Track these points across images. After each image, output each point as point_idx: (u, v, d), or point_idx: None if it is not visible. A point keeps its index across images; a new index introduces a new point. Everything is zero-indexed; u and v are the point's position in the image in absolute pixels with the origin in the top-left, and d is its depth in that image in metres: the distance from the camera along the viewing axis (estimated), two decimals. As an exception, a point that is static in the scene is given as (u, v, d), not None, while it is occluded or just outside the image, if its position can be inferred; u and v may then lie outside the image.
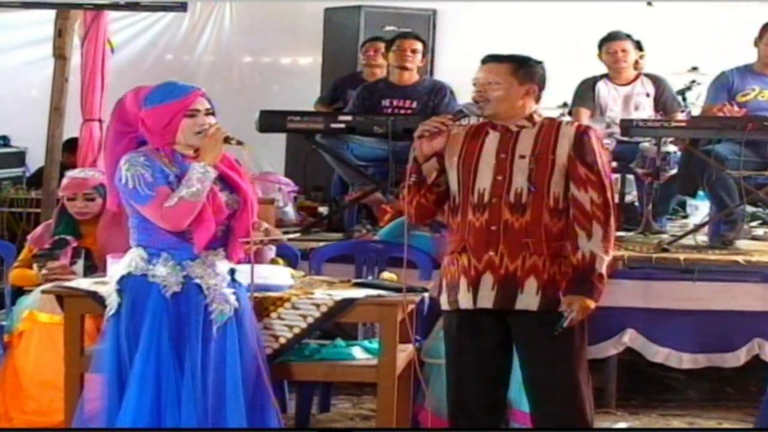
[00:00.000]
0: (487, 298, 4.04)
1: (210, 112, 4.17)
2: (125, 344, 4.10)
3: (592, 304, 3.98)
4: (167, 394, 4.06)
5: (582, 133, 4.06)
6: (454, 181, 4.14)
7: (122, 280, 4.14)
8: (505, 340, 4.11)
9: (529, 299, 4.00)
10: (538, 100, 4.15)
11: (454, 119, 4.13)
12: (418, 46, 7.05)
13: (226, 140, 4.13)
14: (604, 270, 3.99)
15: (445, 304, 4.19)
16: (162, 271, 4.09)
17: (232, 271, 4.22)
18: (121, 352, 4.11)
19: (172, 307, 4.08)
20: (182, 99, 4.12)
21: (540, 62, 4.20)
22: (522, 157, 4.04)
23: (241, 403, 4.10)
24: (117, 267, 4.23)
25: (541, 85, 4.15)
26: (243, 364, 4.14)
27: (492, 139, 4.11)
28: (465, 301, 4.09)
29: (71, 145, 7.12)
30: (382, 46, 7.51)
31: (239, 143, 4.17)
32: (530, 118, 4.11)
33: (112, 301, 4.16)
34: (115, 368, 4.12)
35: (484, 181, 4.06)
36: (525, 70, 4.10)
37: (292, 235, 4.73)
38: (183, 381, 4.06)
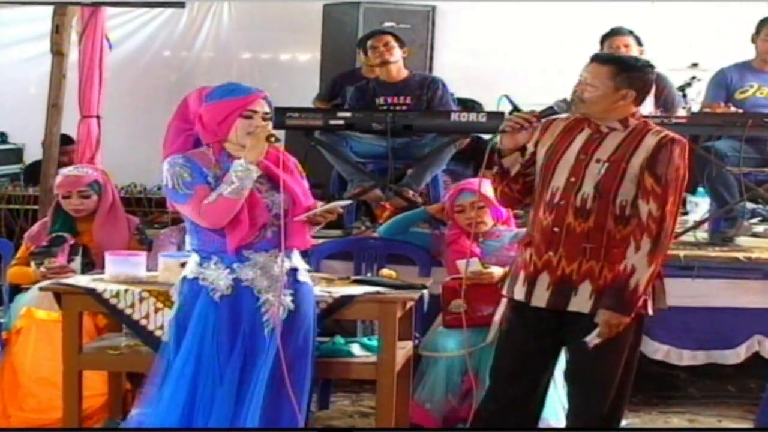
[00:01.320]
0: (541, 298, 4.03)
1: (268, 117, 4.16)
2: (173, 345, 4.14)
3: (624, 319, 3.92)
4: (202, 398, 4.06)
5: (662, 145, 3.96)
6: (537, 175, 4.11)
7: (179, 284, 4.19)
8: (553, 342, 4.10)
9: (582, 302, 3.98)
10: (639, 103, 4.06)
11: (540, 116, 4.10)
12: (389, 38, 7.00)
13: (269, 138, 4.10)
14: (641, 284, 3.91)
15: (505, 290, 4.19)
16: (211, 275, 4.10)
17: (294, 271, 4.21)
18: (170, 351, 4.15)
19: (222, 309, 4.09)
20: (242, 98, 4.12)
21: (647, 65, 4.10)
22: (598, 161, 3.99)
23: (258, 405, 4.05)
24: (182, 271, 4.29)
25: (643, 90, 4.04)
26: (288, 364, 4.09)
27: (580, 138, 4.06)
28: (519, 293, 4.09)
29: (62, 141, 7.06)
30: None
31: (277, 140, 4.14)
32: (624, 120, 4.03)
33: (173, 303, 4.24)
34: (163, 368, 4.16)
35: (559, 180, 4.03)
36: (626, 75, 4.00)
37: (346, 201, 4.68)
38: (221, 385, 4.06)
